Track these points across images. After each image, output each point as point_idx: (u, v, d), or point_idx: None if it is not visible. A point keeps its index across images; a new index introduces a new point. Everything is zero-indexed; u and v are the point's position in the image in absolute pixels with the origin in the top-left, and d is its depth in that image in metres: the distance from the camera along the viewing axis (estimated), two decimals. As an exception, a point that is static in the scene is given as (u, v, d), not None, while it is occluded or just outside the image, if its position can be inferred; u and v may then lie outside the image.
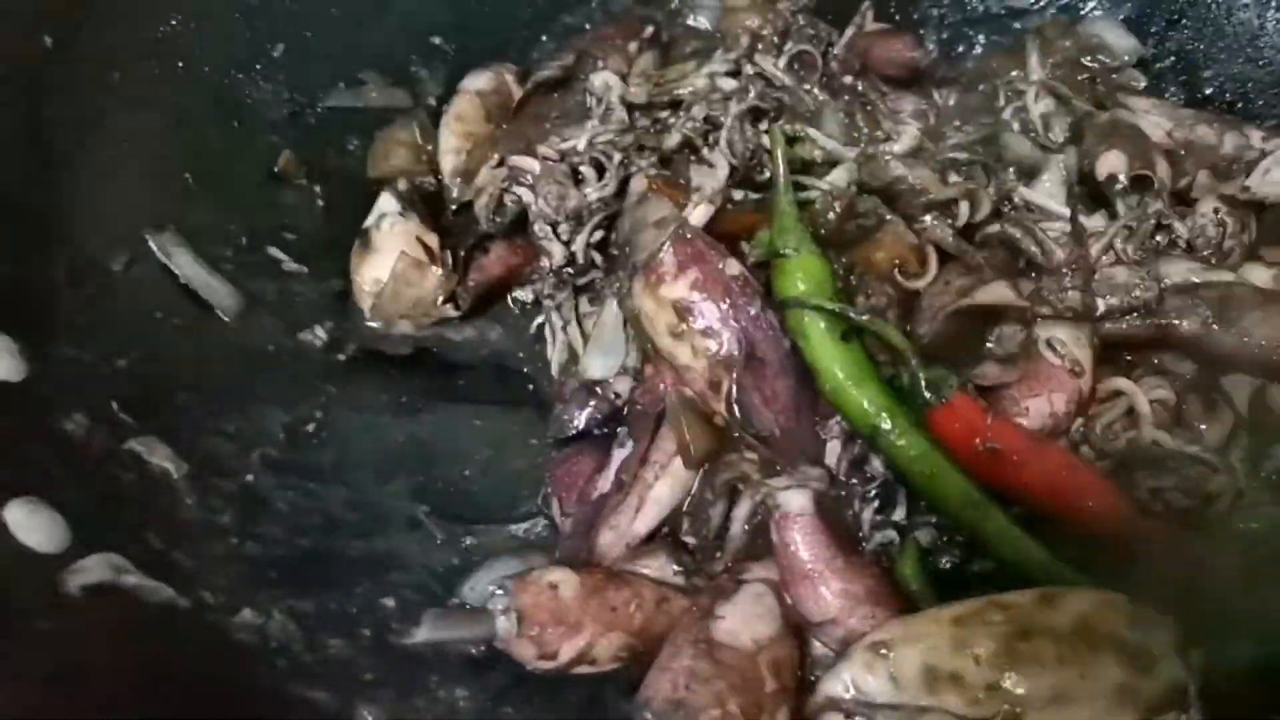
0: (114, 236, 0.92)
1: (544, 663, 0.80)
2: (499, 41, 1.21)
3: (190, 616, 0.75)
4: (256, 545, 0.84)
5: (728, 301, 0.89)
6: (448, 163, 1.11)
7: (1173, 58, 1.19)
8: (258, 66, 1.09)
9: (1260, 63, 1.14)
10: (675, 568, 0.86)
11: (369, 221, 1.07)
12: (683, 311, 0.90)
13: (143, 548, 0.76)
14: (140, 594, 0.73)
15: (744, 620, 0.79)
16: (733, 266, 0.91)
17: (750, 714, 0.74)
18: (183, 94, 1.02)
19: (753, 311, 0.89)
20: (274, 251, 1.04)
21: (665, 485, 0.89)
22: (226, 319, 0.98)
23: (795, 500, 0.83)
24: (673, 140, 1.03)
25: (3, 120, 0.86)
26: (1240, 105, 1.15)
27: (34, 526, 0.69)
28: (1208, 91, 1.16)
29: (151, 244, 0.95)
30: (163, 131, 0.99)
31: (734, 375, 0.89)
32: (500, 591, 0.81)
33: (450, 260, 1.07)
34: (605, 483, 0.92)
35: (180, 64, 1.01)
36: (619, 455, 0.93)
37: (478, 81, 1.16)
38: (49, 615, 0.66)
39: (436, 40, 1.20)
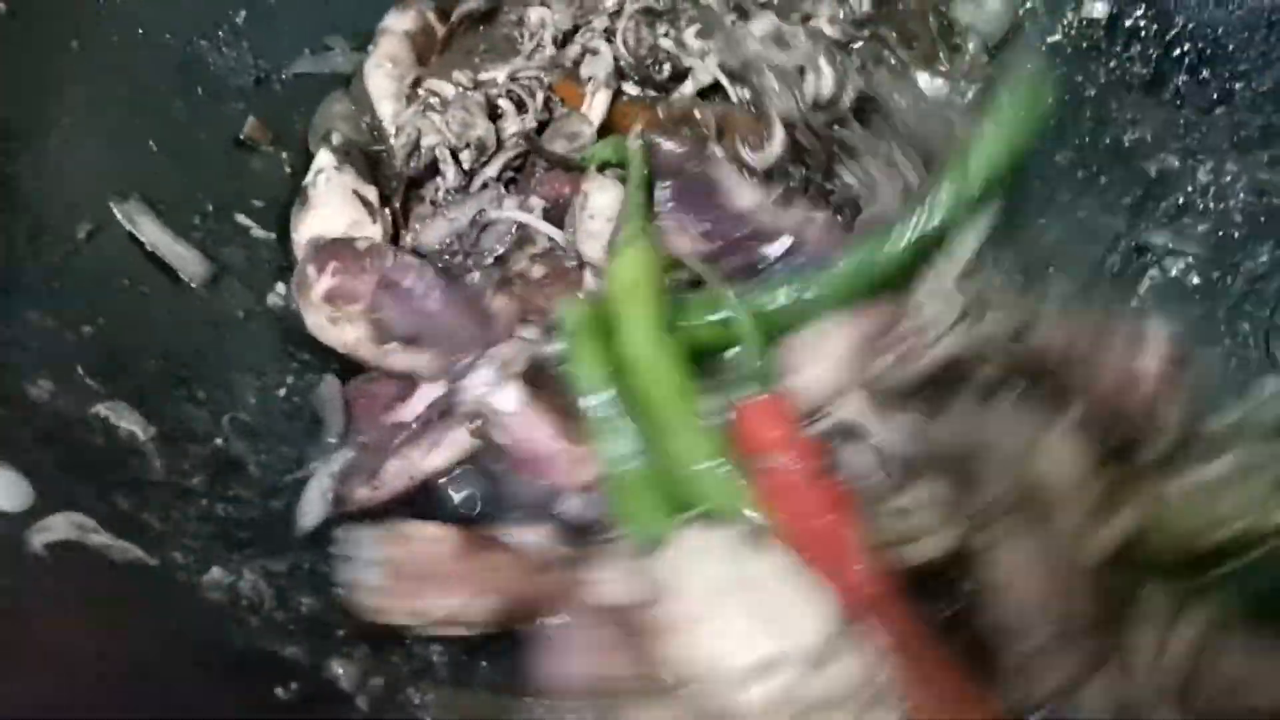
0: (77, 205, 0.91)
1: (413, 619, 0.79)
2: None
3: (159, 575, 0.75)
4: (228, 506, 0.84)
5: (361, 267, 0.94)
6: (387, 109, 1.09)
7: (1144, 4, 1.18)
8: (220, 33, 1.08)
9: (1229, 7, 1.13)
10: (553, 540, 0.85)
11: (307, 179, 1.05)
12: (333, 299, 0.93)
13: (110, 509, 0.76)
14: (107, 553, 0.73)
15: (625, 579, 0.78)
16: (362, 242, 0.96)
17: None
18: (144, 61, 1.01)
19: (388, 263, 0.94)
20: (241, 219, 1.04)
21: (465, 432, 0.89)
22: (194, 285, 0.97)
23: (504, 400, 0.85)
24: (573, 51, 1.05)
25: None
26: (1210, 51, 1.14)
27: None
28: (1174, 34, 1.15)
29: (117, 212, 0.94)
30: (125, 99, 0.99)
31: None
32: (371, 543, 0.81)
33: (389, 214, 1.05)
34: (407, 413, 0.93)
35: (141, 30, 1.01)
36: (428, 391, 0.93)
37: (402, 22, 1.15)
38: (12, 572, 0.66)
39: (401, 4, 1.20)
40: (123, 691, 0.66)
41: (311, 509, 0.87)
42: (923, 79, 1.09)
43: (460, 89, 1.03)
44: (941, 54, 1.11)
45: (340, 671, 0.76)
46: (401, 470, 0.88)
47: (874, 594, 0.72)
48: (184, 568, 0.76)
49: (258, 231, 1.04)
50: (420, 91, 1.08)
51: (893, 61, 1.06)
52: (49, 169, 0.90)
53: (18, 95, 0.89)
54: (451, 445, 0.88)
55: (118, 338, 0.88)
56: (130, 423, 0.83)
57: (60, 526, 0.70)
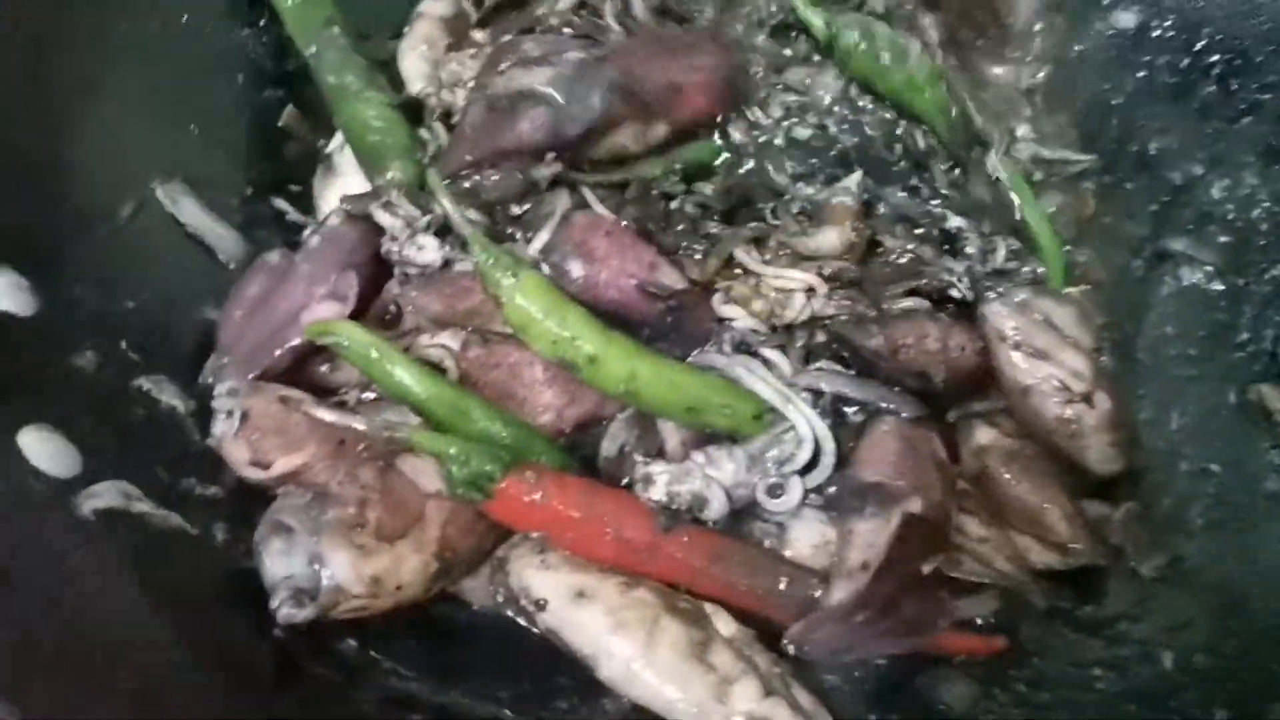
0: (120, 186, 0.93)
1: (254, 470, 0.81)
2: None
3: (200, 544, 0.76)
4: (265, 478, 0.85)
5: None
6: (417, 89, 1.10)
7: (1172, 16, 1.20)
8: (261, 22, 1.10)
9: (1256, 19, 1.14)
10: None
11: (330, 146, 1.07)
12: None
13: (152, 478, 0.77)
14: (150, 521, 0.74)
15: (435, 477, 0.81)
16: None
17: (385, 534, 0.77)
18: (187, 47, 1.03)
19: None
20: (279, 203, 1.05)
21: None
22: (232, 266, 0.99)
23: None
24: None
25: (7, 74, 0.86)
26: (1238, 62, 1.15)
27: (46, 452, 0.71)
28: (1202, 45, 1.17)
29: (159, 193, 0.96)
30: (169, 84, 1.00)
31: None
32: (231, 393, 0.83)
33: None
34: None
35: (185, 17, 1.02)
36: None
37: (437, 7, 1.16)
38: (62, 536, 0.68)
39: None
40: (164, 650, 0.68)
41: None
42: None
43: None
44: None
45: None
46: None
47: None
48: (224, 537, 0.78)
49: (293, 215, 1.05)
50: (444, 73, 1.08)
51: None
52: (95, 149, 0.91)
53: (67, 77, 0.90)
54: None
55: (158, 313, 0.90)
56: (170, 396, 0.85)
57: (107, 494, 0.72)
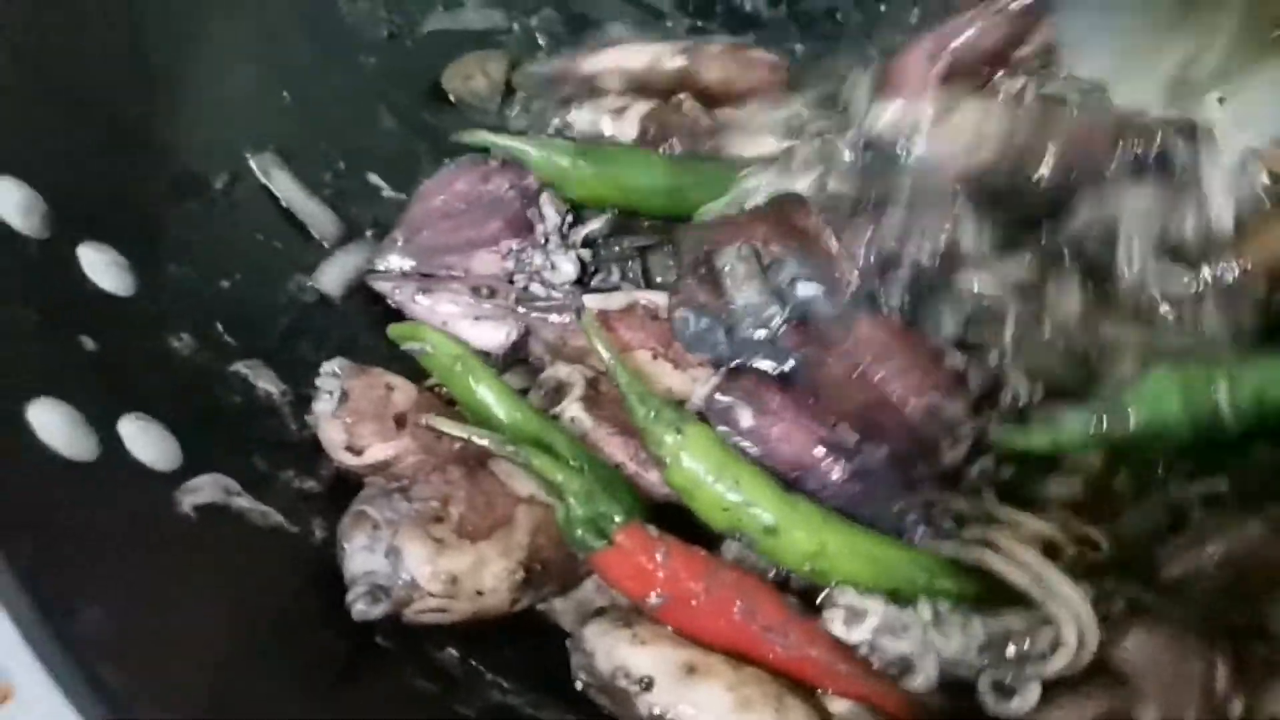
0: (215, 155, 0.90)
1: (347, 455, 0.77)
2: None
3: (299, 542, 0.73)
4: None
5: None
6: None
7: None
8: (353, -16, 1.06)
9: None
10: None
11: None
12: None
13: (250, 469, 0.74)
14: (249, 517, 0.71)
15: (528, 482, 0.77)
16: None
17: (467, 532, 0.72)
18: (279, 11, 0.99)
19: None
20: (373, 178, 1.01)
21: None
22: (326, 244, 0.95)
23: None
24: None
25: (105, 40, 0.83)
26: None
27: (146, 443, 0.67)
28: None
29: (252, 164, 0.92)
30: (261, 51, 0.97)
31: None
32: (334, 372, 0.79)
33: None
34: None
35: (278, -21, 0.98)
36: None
37: None
38: (164, 531, 0.65)
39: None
40: (264, 647, 0.66)
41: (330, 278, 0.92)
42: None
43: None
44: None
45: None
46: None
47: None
48: (322, 535, 0.75)
49: (388, 192, 1.01)
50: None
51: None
52: (188, 118, 0.88)
53: (159, 43, 0.87)
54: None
55: (252, 294, 0.87)
56: (266, 381, 0.82)
57: (207, 489, 0.68)
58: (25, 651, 0.50)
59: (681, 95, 1.07)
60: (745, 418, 0.77)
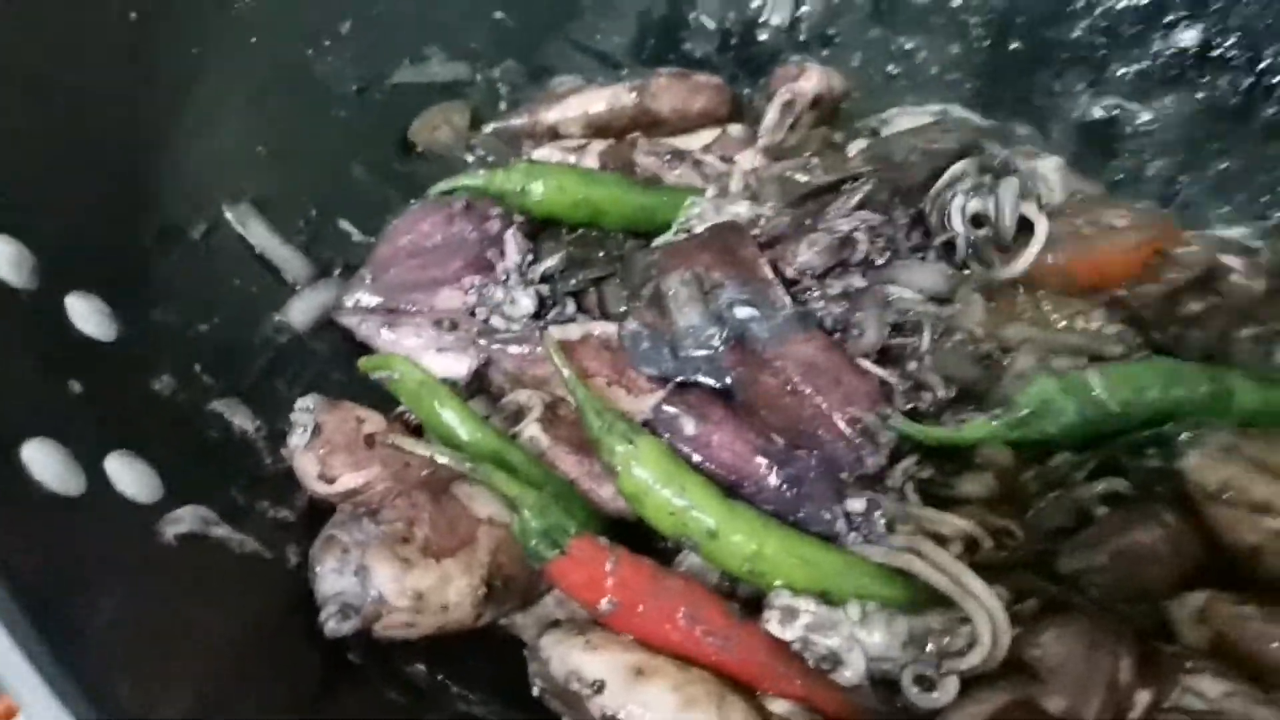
0: (196, 205, 0.95)
1: (320, 484, 0.84)
2: (558, 15, 1.24)
3: (275, 568, 0.78)
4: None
5: None
6: None
7: (1235, 34, 1.18)
8: (326, 43, 1.12)
9: (1324, 37, 1.13)
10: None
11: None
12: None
13: (228, 501, 0.79)
14: (228, 545, 0.76)
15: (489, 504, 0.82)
16: None
17: (431, 551, 0.78)
18: (256, 69, 1.05)
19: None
20: (344, 224, 1.07)
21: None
22: (298, 287, 1.01)
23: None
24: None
25: (98, 94, 0.87)
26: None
27: (131, 478, 0.72)
28: (1267, 65, 1.15)
29: (229, 214, 0.98)
30: (240, 106, 1.02)
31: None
32: (306, 408, 0.86)
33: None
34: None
35: (254, 39, 1.04)
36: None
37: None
38: (148, 560, 0.70)
39: (498, 15, 1.23)
40: (245, 665, 0.70)
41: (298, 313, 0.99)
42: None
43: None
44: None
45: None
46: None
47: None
48: (296, 560, 0.80)
49: (358, 237, 1.07)
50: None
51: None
52: (172, 170, 0.93)
53: (149, 98, 0.92)
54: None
55: (229, 335, 0.92)
56: (242, 418, 0.87)
57: (188, 519, 0.73)
58: (28, 670, 0.54)
59: (634, 134, 1.14)
60: (688, 427, 0.84)
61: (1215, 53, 1.18)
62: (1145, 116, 1.19)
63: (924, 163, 0.97)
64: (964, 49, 1.27)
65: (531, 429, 0.88)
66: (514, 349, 0.96)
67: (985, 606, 0.73)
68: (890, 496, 0.81)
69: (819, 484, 0.81)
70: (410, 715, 0.75)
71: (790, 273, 0.91)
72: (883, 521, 0.79)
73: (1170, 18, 1.18)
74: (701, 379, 0.87)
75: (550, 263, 1.02)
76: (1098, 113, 1.21)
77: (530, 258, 1.03)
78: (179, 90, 0.96)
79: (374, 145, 1.14)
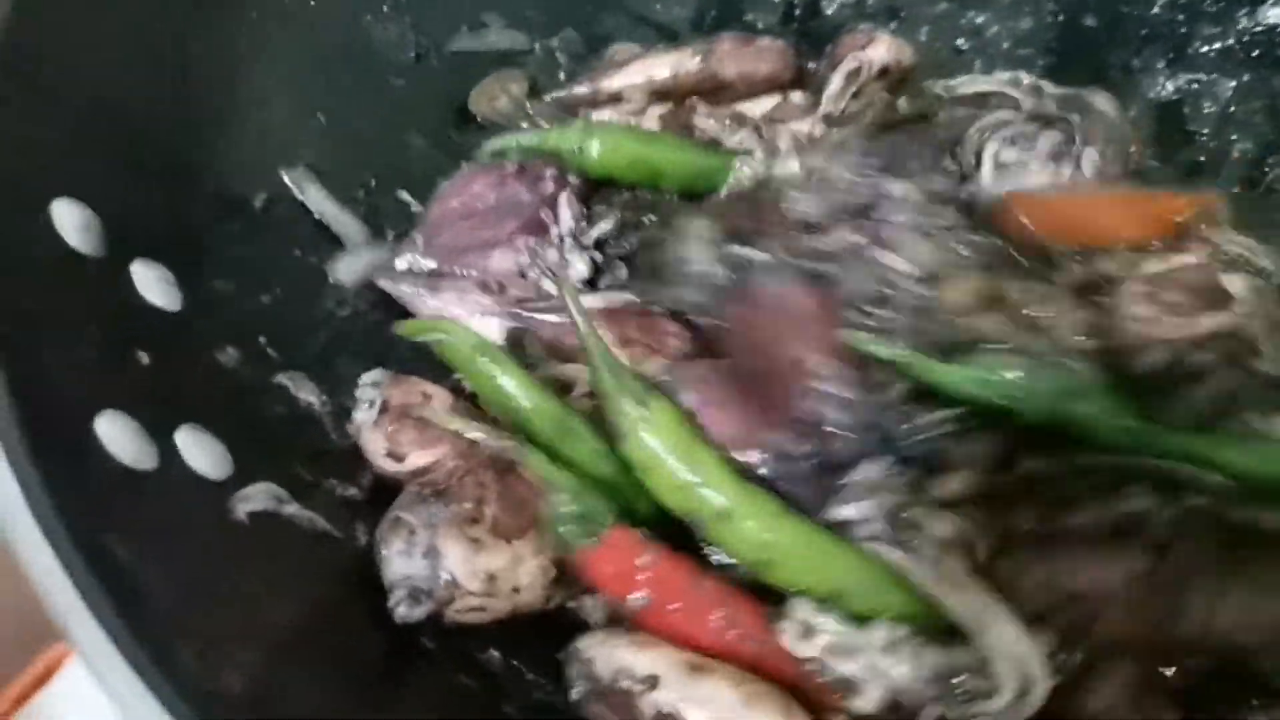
0: (255, 174, 0.93)
1: (389, 462, 0.81)
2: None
3: (343, 547, 0.76)
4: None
5: None
6: None
7: None
8: (384, 9, 1.09)
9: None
10: None
11: None
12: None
13: (296, 478, 0.77)
14: (298, 523, 0.74)
15: None
16: None
17: (501, 531, 0.75)
18: (313, 36, 1.02)
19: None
20: (403, 194, 1.05)
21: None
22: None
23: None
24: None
25: (155, 66, 0.85)
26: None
27: (201, 453, 0.70)
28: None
29: (286, 178, 0.96)
30: (297, 74, 0.99)
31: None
32: (373, 382, 0.83)
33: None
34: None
35: (312, 3, 1.02)
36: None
37: None
38: (222, 539, 0.68)
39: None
40: (310, 644, 0.68)
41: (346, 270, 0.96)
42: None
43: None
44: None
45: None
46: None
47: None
48: (366, 540, 0.78)
49: (417, 207, 1.05)
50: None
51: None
52: (230, 143, 0.91)
53: (202, 66, 0.90)
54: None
55: (291, 308, 0.90)
56: (307, 393, 0.85)
57: (259, 496, 0.71)
58: (95, 626, 0.53)
59: (694, 98, 1.12)
60: (689, 399, 0.78)
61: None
62: (1228, 96, 1.14)
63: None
64: (1036, 24, 1.23)
65: (584, 404, 0.84)
66: (554, 318, 0.93)
67: (1011, 647, 0.65)
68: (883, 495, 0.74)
69: (814, 476, 0.76)
70: (486, 702, 0.73)
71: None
72: (886, 518, 0.73)
73: (1256, -7, 1.14)
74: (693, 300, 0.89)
75: (605, 226, 0.99)
76: (1177, 92, 1.17)
77: (584, 221, 1.00)
78: (237, 59, 0.93)
79: (431, 114, 1.11)
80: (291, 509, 0.74)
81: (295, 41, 0.99)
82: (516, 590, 0.76)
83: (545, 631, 0.78)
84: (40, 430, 0.56)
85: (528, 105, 1.14)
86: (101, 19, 0.79)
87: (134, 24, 0.82)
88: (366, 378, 0.84)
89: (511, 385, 0.83)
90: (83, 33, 0.77)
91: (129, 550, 0.58)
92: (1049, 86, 1.15)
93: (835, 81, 1.09)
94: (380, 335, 0.96)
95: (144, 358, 0.72)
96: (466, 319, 0.94)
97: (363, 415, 0.82)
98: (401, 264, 0.98)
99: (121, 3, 0.82)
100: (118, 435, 0.63)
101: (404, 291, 0.96)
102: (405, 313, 0.98)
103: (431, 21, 1.12)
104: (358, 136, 1.04)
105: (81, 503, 0.57)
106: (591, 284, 0.98)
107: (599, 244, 1.00)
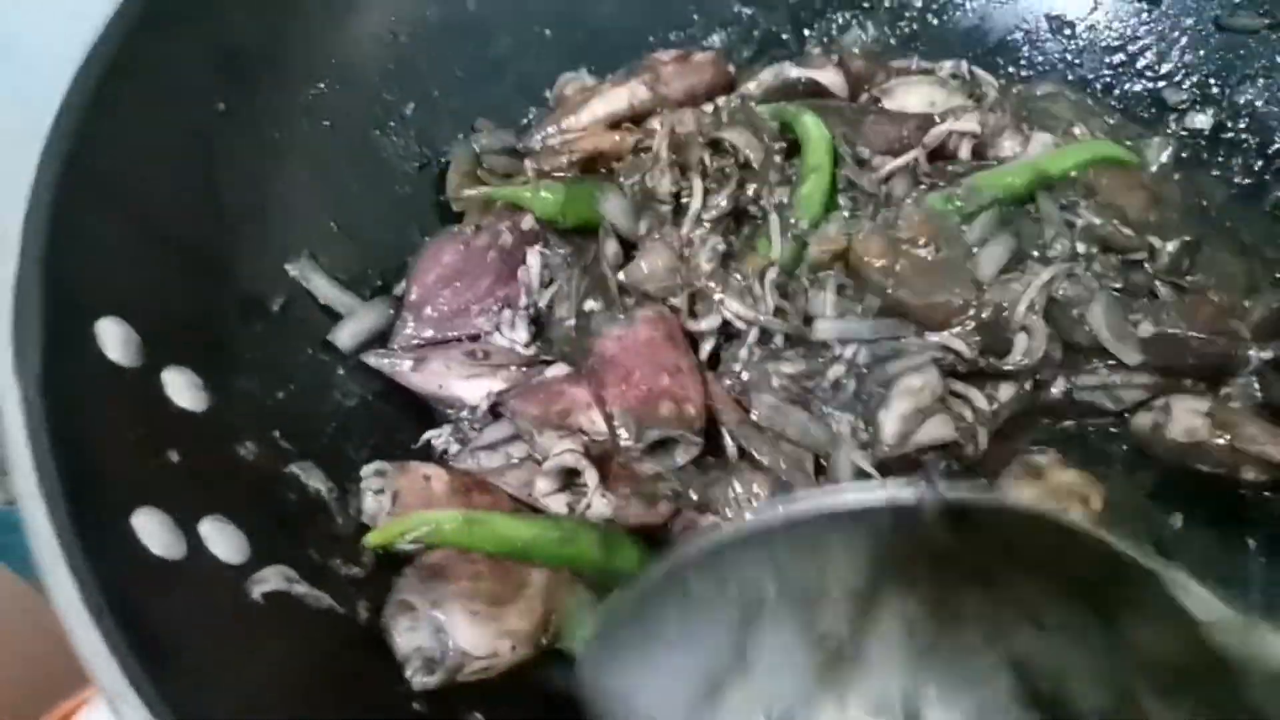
0: (274, 279, 1.04)
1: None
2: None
3: (347, 622, 0.86)
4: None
5: None
6: None
7: (1246, 118, 1.24)
8: (391, 124, 1.21)
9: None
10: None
11: None
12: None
13: (306, 560, 0.86)
14: (307, 601, 0.83)
15: None
16: None
17: (497, 600, 0.86)
18: (329, 150, 1.14)
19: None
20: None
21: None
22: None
23: None
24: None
25: (184, 177, 0.96)
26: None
27: (222, 541, 0.80)
28: (1277, 148, 1.21)
29: (291, 271, 1.06)
30: (312, 184, 1.11)
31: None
32: (378, 473, 0.93)
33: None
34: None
35: (326, 122, 1.13)
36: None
37: None
38: (238, 619, 0.77)
39: (547, 94, 1.32)
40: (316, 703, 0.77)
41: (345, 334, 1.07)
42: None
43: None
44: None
45: None
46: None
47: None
48: (369, 615, 0.87)
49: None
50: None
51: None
52: (252, 248, 1.02)
53: (233, 181, 1.01)
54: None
55: (303, 401, 1.00)
56: (316, 480, 0.94)
57: (272, 578, 0.81)
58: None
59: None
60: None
61: (1228, 135, 1.25)
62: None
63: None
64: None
65: (597, 503, 0.93)
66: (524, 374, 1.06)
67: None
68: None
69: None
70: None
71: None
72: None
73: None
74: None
75: (551, 290, 1.11)
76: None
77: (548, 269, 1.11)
78: (259, 173, 1.05)
79: (433, 213, 1.22)
80: (301, 588, 0.83)
81: (312, 157, 1.11)
82: (514, 647, 0.87)
83: (528, 693, 0.87)
84: (83, 531, 0.66)
85: (479, 169, 1.24)
86: (152, 135, 0.90)
87: (177, 142, 0.94)
88: (369, 469, 0.94)
89: (508, 527, 0.91)
90: (138, 148, 0.88)
91: (158, 628, 0.68)
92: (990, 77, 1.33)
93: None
94: (383, 421, 1.06)
95: (174, 456, 0.81)
96: (452, 380, 1.05)
97: (374, 506, 0.92)
98: (397, 345, 1.09)
99: (165, 120, 0.93)
100: (151, 529, 0.73)
101: (392, 366, 1.07)
102: (405, 392, 1.08)
103: (432, 132, 1.24)
104: (366, 239, 1.15)
105: (119, 588, 0.67)
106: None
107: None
